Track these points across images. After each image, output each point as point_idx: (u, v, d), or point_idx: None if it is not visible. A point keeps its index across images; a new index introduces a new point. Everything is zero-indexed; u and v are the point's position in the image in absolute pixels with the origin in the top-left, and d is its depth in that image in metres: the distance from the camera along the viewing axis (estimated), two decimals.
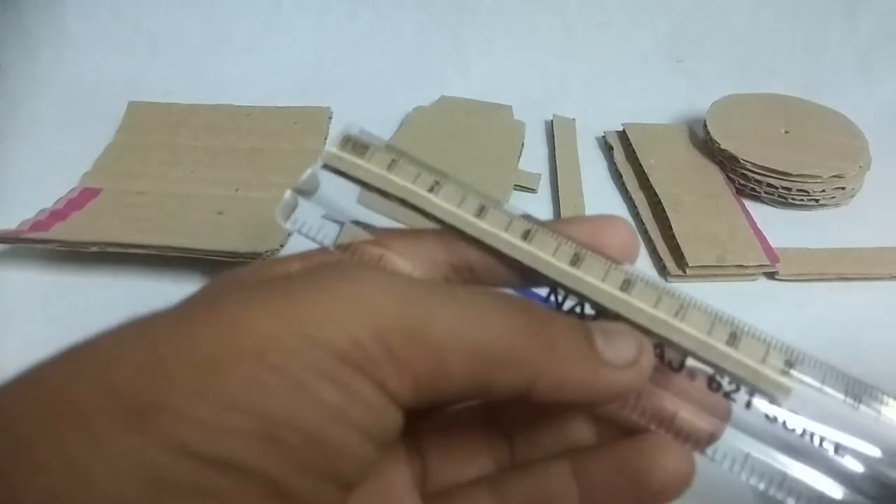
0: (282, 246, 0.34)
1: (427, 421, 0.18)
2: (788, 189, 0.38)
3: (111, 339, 0.14)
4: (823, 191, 0.38)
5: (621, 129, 0.44)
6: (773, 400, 0.17)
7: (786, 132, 0.41)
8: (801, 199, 0.39)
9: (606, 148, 0.44)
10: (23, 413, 0.13)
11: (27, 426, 0.12)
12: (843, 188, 0.39)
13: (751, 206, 0.38)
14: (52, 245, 0.33)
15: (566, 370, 0.14)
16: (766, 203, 0.39)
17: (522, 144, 0.43)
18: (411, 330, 0.13)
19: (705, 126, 0.42)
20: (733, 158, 0.39)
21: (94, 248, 0.32)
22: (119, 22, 0.49)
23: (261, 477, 0.13)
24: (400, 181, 0.17)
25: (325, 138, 0.41)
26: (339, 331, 0.13)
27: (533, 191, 0.39)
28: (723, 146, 0.40)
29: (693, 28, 0.55)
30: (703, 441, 0.16)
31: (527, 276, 0.16)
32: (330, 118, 0.43)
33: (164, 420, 0.12)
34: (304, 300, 0.13)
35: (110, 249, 0.32)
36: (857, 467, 0.16)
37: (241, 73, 0.47)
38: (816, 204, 0.39)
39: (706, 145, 0.42)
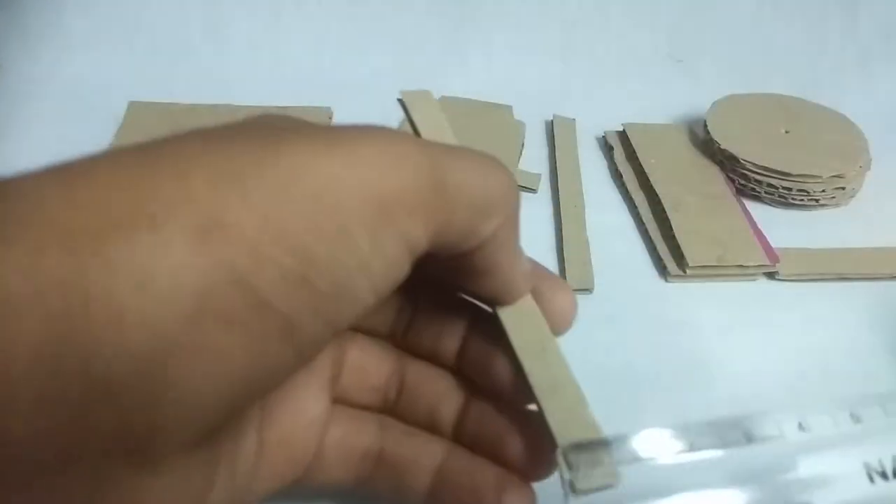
0: None
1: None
2: (789, 189, 0.38)
3: (190, 144, 0.14)
4: (824, 191, 0.38)
5: (621, 129, 0.44)
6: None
7: (786, 132, 0.41)
8: (802, 199, 0.39)
9: (606, 148, 0.44)
10: (96, 206, 0.12)
11: (99, 220, 0.12)
12: (844, 188, 0.39)
13: (751, 206, 0.38)
14: None
15: (512, 236, 0.17)
16: (767, 203, 0.39)
17: (522, 144, 0.43)
18: (438, 184, 0.15)
19: (705, 126, 0.42)
20: (733, 158, 0.39)
21: None
22: (120, 22, 0.49)
23: (282, 318, 0.13)
24: None
25: None
26: (382, 182, 0.14)
27: (533, 191, 0.39)
28: (723, 146, 0.40)
29: (693, 28, 0.55)
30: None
31: None
32: (330, 118, 0.43)
33: (228, 239, 0.12)
34: (357, 150, 0.14)
35: None
36: None
37: (242, 73, 0.47)
38: (817, 204, 0.39)
39: (706, 145, 0.42)
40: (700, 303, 0.33)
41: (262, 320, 0.13)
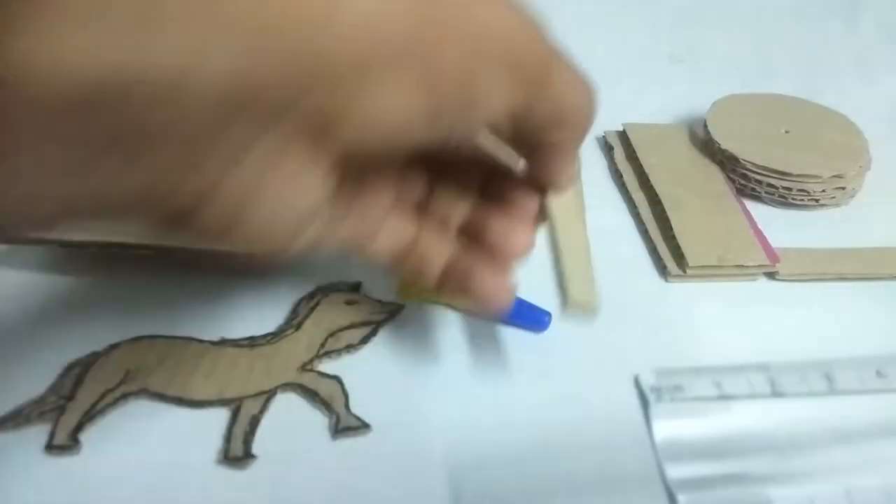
0: None
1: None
2: (789, 189, 0.38)
3: None
4: (824, 191, 0.38)
5: (621, 128, 0.44)
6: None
7: (786, 132, 0.41)
8: (802, 199, 0.39)
9: (607, 148, 0.44)
10: None
11: None
12: (844, 188, 0.39)
13: (751, 206, 0.38)
14: (52, 245, 0.33)
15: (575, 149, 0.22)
16: (767, 203, 0.39)
17: None
18: (547, 73, 0.19)
19: (706, 126, 0.42)
20: (734, 158, 0.39)
21: (94, 249, 0.32)
22: None
23: (447, 94, 0.17)
24: None
25: None
26: (519, 36, 0.18)
27: None
28: (723, 146, 0.40)
29: (693, 28, 0.55)
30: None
31: None
32: None
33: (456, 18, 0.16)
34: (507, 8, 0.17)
35: (111, 250, 0.32)
36: None
37: None
38: (817, 204, 0.39)
39: (706, 145, 0.42)
40: (700, 302, 0.33)
41: (439, 86, 0.16)
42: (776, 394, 0.28)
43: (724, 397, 0.28)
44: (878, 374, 0.29)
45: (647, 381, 0.28)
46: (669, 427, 0.27)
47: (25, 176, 0.14)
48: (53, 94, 0.13)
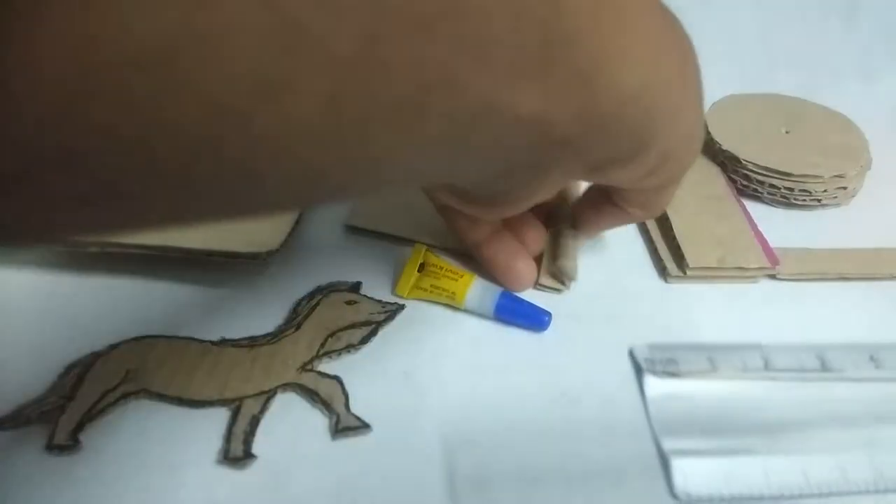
0: (282, 246, 0.33)
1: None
2: (791, 189, 0.38)
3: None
4: (825, 191, 0.38)
5: None
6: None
7: (787, 132, 0.41)
8: (804, 200, 0.39)
9: None
10: None
11: None
12: (845, 188, 0.39)
13: (752, 206, 0.38)
14: (53, 245, 0.33)
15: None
16: (768, 203, 0.39)
17: None
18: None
19: (706, 126, 0.42)
20: (735, 159, 0.39)
21: (94, 249, 0.32)
22: None
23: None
24: None
25: None
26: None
27: None
28: (724, 147, 0.40)
29: (693, 28, 0.55)
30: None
31: None
32: None
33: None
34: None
35: (110, 250, 0.32)
36: None
37: None
38: (818, 204, 0.39)
39: (707, 146, 0.42)
40: (701, 303, 0.33)
41: (654, 167, 0.23)
42: (769, 370, 0.29)
43: (717, 372, 0.29)
44: (872, 358, 0.29)
45: (641, 352, 0.29)
46: (663, 399, 0.28)
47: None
48: None
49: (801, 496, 0.25)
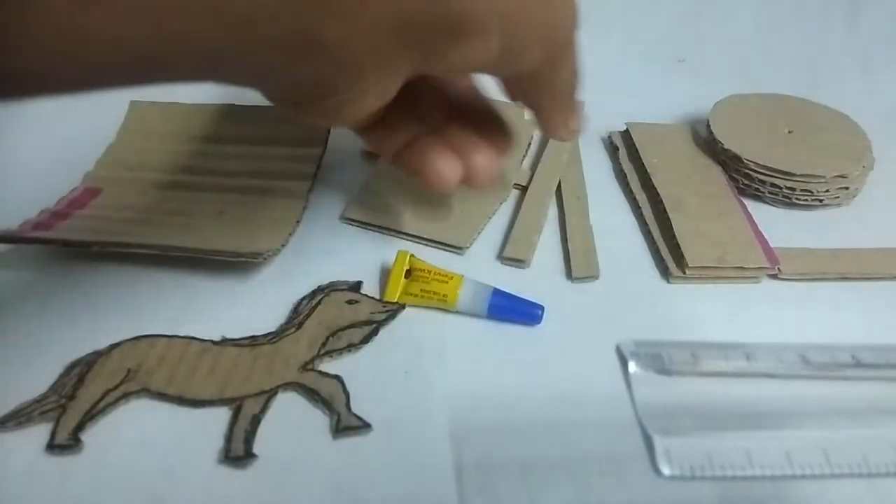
0: (283, 246, 0.33)
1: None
2: (792, 189, 0.38)
3: None
4: (827, 191, 0.38)
5: (625, 128, 0.44)
6: None
7: (789, 132, 0.41)
8: (805, 199, 0.38)
9: (612, 148, 0.44)
10: None
11: None
12: (847, 188, 0.38)
13: (753, 205, 0.38)
14: (53, 245, 0.33)
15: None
16: (769, 203, 0.39)
17: (529, 144, 0.43)
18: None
19: (708, 126, 0.42)
20: (737, 158, 0.39)
21: (95, 249, 0.32)
22: None
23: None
24: None
25: (327, 138, 0.40)
26: None
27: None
28: (726, 146, 0.40)
29: (695, 28, 0.55)
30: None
31: None
32: None
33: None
34: None
35: (112, 249, 0.32)
36: None
37: None
38: (820, 204, 0.39)
39: (709, 145, 0.42)
40: (702, 303, 0.33)
41: (509, 49, 0.22)
42: (752, 366, 0.29)
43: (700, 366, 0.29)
44: (853, 357, 0.30)
45: (628, 347, 0.30)
46: (648, 390, 0.28)
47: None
48: None
49: (783, 477, 0.25)
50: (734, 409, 0.28)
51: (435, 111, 0.30)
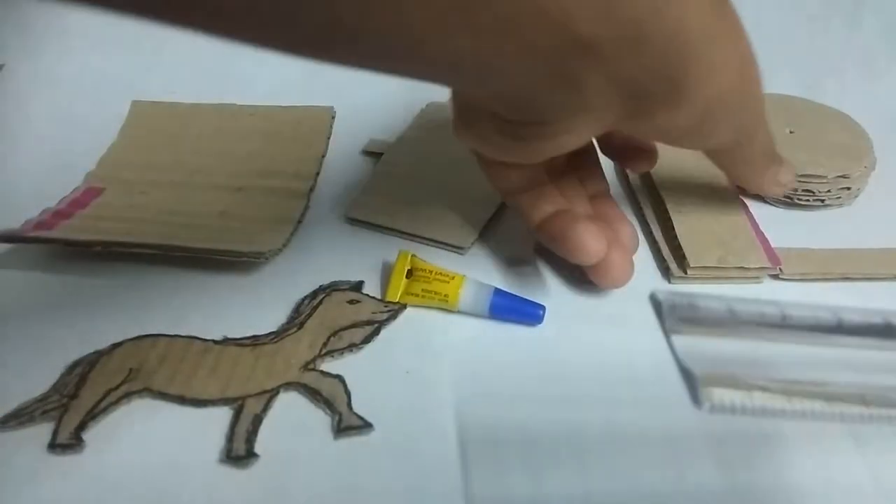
0: (284, 245, 0.33)
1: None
2: (794, 189, 0.38)
3: None
4: (829, 191, 0.38)
5: None
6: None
7: (790, 132, 0.41)
8: (807, 200, 0.38)
9: None
10: None
11: None
12: (849, 188, 0.38)
13: (755, 205, 0.38)
14: (55, 245, 0.33)
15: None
16: (771, 203, 0.39)
17: None
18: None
19: None
20: None
21: (97, 248, 0.32)
22: (122, 21, 0.49)
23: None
24: None
25: (328, 138, 0.41)
26: None
27: None
28: None
29: None
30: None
31: None
32: (333, 117, 0.43)
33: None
34: None
35: (114, 249, 0.32)
36: None
37: (245, 72, 0.47)
38: (822, 204, 0.39)
39: None
40: None
41: (712, 124, 0.25)
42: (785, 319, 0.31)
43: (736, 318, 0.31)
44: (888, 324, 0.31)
45: (662, 293, 0.32)
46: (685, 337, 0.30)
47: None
48: None
49: (822, 416, 0.27)
50: (771, 362, 0.30)
51: (580, 200, 0.32)
